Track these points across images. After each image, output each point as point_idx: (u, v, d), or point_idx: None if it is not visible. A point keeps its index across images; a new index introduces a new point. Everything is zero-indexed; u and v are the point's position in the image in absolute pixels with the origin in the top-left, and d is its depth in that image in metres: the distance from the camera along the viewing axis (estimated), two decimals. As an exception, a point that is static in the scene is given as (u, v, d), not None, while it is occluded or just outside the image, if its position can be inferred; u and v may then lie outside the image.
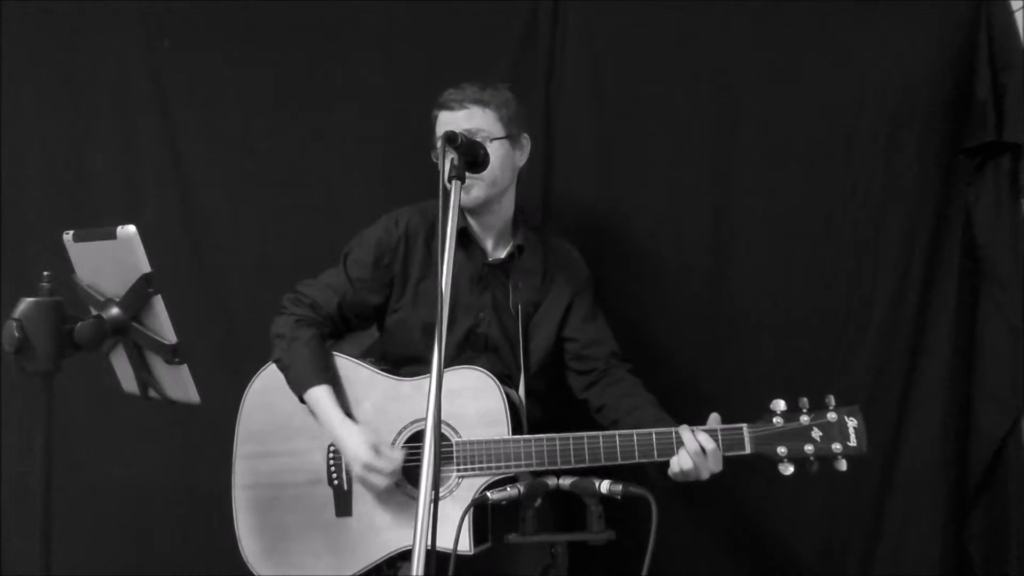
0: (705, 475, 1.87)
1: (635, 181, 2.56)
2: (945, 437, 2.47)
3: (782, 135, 2.52)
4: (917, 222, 2.48)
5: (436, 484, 1.38)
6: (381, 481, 1.96)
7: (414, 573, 1.35)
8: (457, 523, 1.71)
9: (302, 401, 2.05)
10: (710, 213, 2.55)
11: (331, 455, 2.06)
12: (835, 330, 2.51)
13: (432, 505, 1.36)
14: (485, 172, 1.99)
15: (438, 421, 1.40)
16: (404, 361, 2.15)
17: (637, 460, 1.89)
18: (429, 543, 1.38)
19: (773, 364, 2.51)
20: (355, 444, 1.97)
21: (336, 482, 2.05)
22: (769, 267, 2.53)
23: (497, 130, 2.10)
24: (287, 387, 2.06)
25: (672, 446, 1.88)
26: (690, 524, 2.46)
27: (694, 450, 1.85)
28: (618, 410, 2.09)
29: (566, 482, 1.82)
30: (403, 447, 2.01)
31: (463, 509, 1.77)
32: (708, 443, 1.85)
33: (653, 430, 1.89)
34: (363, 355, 2.19)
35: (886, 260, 2.49)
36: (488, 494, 1.78)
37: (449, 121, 2.07)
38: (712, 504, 2.51)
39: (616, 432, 1.92)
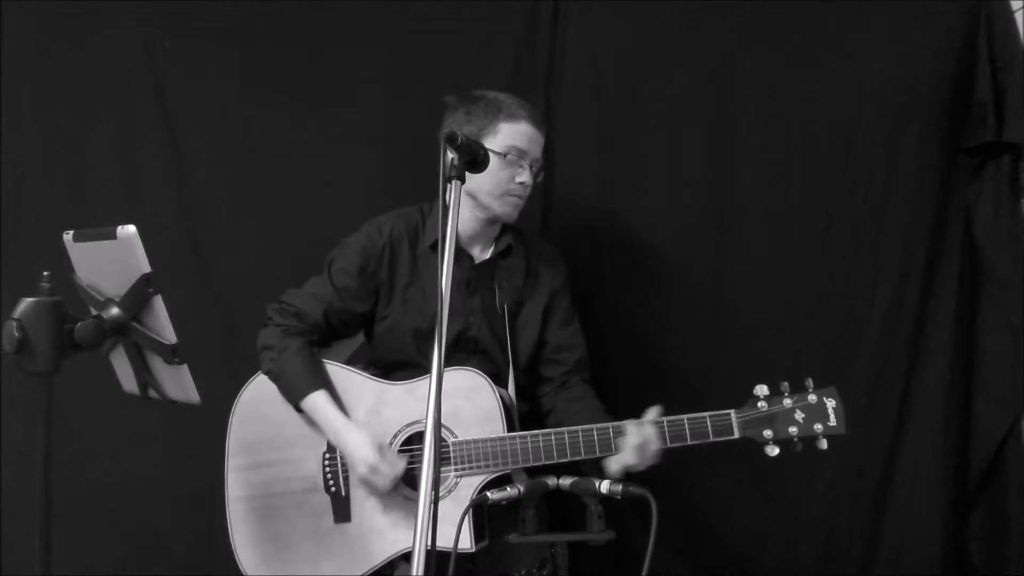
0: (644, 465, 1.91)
1: (635, 181, 2.56)
2: (945, 437, 2.48)
3: (782, 134, 2.52)
4: (917, 222, 2.48)
5: (436, 485, 1.37)
6: (384, 482, 1.97)
7: (414, 573, 1.35)
8: (458, 522, 1.72)
9: (298, 410, 2.05)
10: (710, 212, 2.55)
11: (326, 462, 2.06)
12: (835, 330, 2.51)
13: (432, 507, 1.36)
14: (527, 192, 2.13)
15: (438, 421, 1.40)
16: (395, 367, 2.15)
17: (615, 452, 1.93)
18: (429, 543, 1.38)
19: (773, 364, 2.50)
20: (359, 446, 1.98)
21: (333, 489, 2.05)
22: (769, 267, 2.53)
23: None
24: (277, 397, 2.06)
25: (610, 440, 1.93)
26: (690, 524, 2.46)
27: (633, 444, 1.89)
28: (562, 412, 2.13)
29: (566, 482, 1.83)
30: (400, 451, 2.01)
31: (463, 508, 1.78)
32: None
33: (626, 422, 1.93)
34: (348, 362, 2.19)
35: (886, 260, 2.49)
36: (488, 494, 1.78)
37: (536, 142, 2.13)
38: (712, 504, 2.51)
39: (609, 424, 1.95)
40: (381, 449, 1.97)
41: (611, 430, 1.93)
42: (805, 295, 2.52)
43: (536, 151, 2.13)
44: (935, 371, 2.48)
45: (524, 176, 2.10)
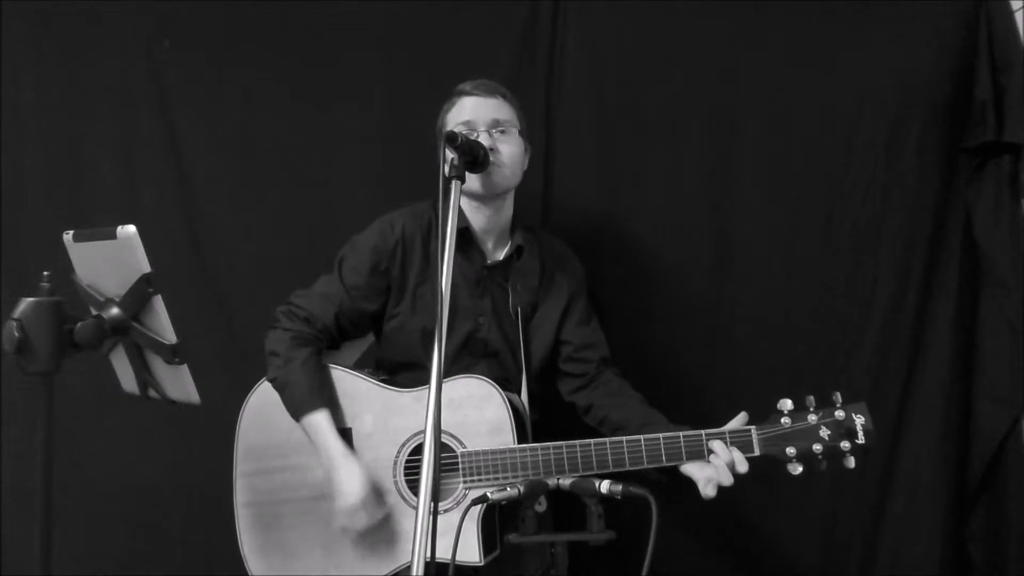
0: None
1: (635, 181, 2.56)
2: (945, 437, 2.47)
3: (782, 135, 2.52)
4: (917, 222, 2.48)
5: (436, 495, 1.37)
6: (358, 526, 1.95)
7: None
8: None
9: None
10: (710, 213, 2.55)
11: None
12: (835, 330, 2.50)
13: (432, 517, 1.35)
14: (506, 159, 2.03)
15: (438, 426, 1.40)
16: (401, 368, 2.13)
17: (646, 465, 1.89)
18: (429, 553, 1.37)
19: (773, 364, 2.51)
20: (352, 484, 1.94)
21: None
22: (769, 267, 2.53)
23: (519, 123, 2.12)
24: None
25: (672, 451, 1.88)
26: (690, 524, 2.46)
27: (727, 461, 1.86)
28: (605, 407, 2.09)
29: (566, 482, 1.82)
30: (408, 460, 2.00)
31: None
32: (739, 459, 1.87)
33: (661, 434, 1.89)
34: (358, 362, 2.18)
35: (886, 260, 2.49)
36: (488, 493, 1.77)
37: (480, 106, 2.06)
38: (712, 504, 2.49)
39: (623, 438, 1.91)
40: (370, 491, 1.94)
41: (625, 443, 1.89)
42: (805, 295, 2.52)
43: (486, 114, 2.06)
44: (935, 371, 2.48)
45: (482, 140, 1.98)
